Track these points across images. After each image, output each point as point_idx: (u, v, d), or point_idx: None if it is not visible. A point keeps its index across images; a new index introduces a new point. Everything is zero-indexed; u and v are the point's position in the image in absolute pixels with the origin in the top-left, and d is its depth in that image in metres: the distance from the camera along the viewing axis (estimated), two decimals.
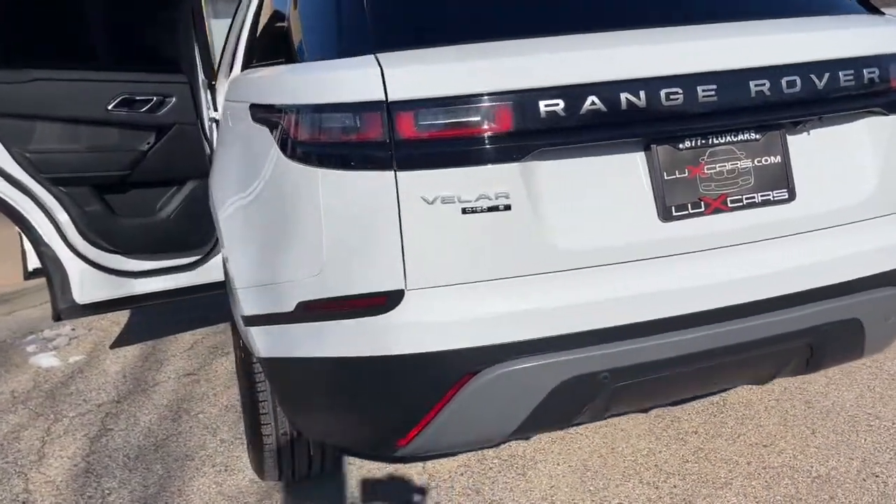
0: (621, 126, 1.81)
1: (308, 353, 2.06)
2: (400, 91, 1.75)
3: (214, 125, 3.56)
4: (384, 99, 1.76)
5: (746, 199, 1.92)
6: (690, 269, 1.88)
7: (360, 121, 1.79)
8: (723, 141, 1.91)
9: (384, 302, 1.86)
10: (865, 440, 2.87)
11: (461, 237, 1.79)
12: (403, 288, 1.83)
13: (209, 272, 3.79)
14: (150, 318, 4.52)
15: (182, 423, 3.31)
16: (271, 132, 2.04)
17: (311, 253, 1.94)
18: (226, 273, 2.54)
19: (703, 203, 1.90)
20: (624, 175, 1.87)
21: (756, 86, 1.85)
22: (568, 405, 1.93)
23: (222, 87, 3.43)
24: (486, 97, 1.75)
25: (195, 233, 3.64)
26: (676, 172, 1.88)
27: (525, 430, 1.96)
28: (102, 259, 3.50)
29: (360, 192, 1.81)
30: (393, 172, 1.77)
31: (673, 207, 1.88)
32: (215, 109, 3.61)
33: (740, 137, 1.92)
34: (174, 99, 3.46)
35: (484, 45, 1.85)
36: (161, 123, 3.46)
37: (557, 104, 1.76)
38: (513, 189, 1.77)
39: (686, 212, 1.89)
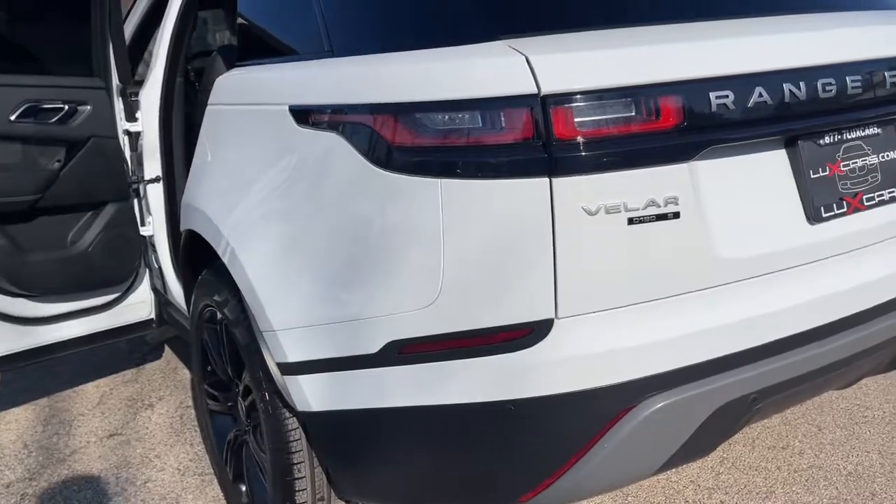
0: (779, 120, 1.63)
1: (399, 403, 1.71)
2: (554, 82, 1.47)
3: (127, 139, 3.04)
4: (536, 92, 1.46)
5: (878, 196, 1.82)
6: (837, 274, 1.75)
7: (504, 119, 1.48)
8: (854, 136, 1.79)
9: (527, 334, 1.56)
10: (870, 432, 2.90)
11: (625, 251, 1.53)
12: (553, 316, 1.54)
13: (130, 312, 3.23)
14: (26, 372, 3.80)
15: (130, 496, 2.75)
16: (348, 139, 1.67)
17: (419, 281, 1.60)
18: (198, 314, 2.11)
19: (844, 202, 1.77)
20: (772, 174, 1.70)
21: (891, 77, 1.75)
22: (716, 433, 1.72)
23: (150, 92, 2.93)
24: (653, 88, 1.50)
25: (117, 266, 3.07)
26: (819, 170, 1.74)
27: (669, 466, 1.73)
28: (2, 305, 2.86)
29: (501, 205, 1.50)
30: (548, 179, 1.48)
31: (822, 208, 1.73)
32: (130, 120, 3.08)
33: (867, 132, 1.81)
34: (89, 107, 2.89)
35: (626, 31, 1.61)
36: (74, 137, 2.87)
37: (727, 96, 1.55)
38: (682, 193, 1.54)
39: (833, 212, 1.75)
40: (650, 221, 1.52)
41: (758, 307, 1.65)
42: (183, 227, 2.37)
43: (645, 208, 1.51)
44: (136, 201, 3.14)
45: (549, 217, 1.48)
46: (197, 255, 2.56)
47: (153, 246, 3.37)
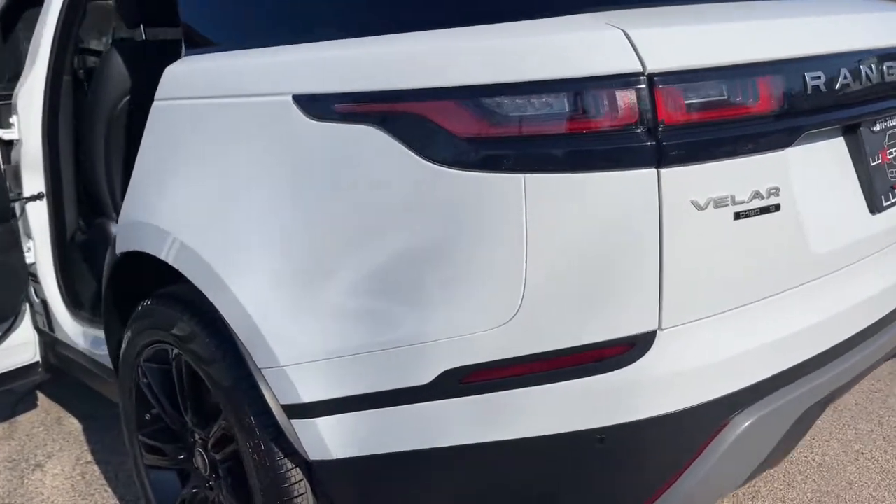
0: (852, 104, 1.54)
1: (455, 442, 1.46)
2: (659, 60, 1.28)
3: None
4: (641, 70, 1.27)
5: None
6: (893, 264, 1.68)
7: (602, 103, 1.28)
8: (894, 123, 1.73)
9: (626, 351, 1.35)
10: (821, 422, 2.94)
11: (730, 249, 1.37)
12: (656, 328, 1.35)
13: (10, 355, 2.73)
14: None
15: None
16: (390, 132, 1.40)
17: (493, 295, 1.36)
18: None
19: (894, 191, 1.71)
20: (837, 163, 1.60)
21: None
22: (792, 440, 1.60)
23: (29, 93, 2.48)
24: (757, 67, 1.35)
25: None
26: (874, 158, 1.66)
27: (753, 476, 1.59)
28: None
29: (599, 201, 1.30)
30: (654, 170, 1.28)
31: (883, 197, 1.66)
32: (3, 126, 2.61)
33: None
34: None
35: (709, 7, 1.45)
36: None
37: (819, 77, 1.43)
38: (781, 184, 1.40)
39: (890, 201, 1.68)
40: (755, 215, 1.37)
41: (839, 303, 1.55)
42: (123, 248, 1.96)
43: (750, 200, 1.36)
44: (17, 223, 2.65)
45: (655, 213, 1.29)
46: (128, 284, 2.16)
47: (33, 276, 2.86)
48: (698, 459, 1.44)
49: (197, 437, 2.00)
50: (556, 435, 1.41)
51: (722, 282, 1.38)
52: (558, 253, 1.32)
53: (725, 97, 1.33)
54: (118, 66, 2.78)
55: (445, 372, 1.43)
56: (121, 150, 2.88)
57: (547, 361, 1.37)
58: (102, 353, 2.59)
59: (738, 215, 1.35)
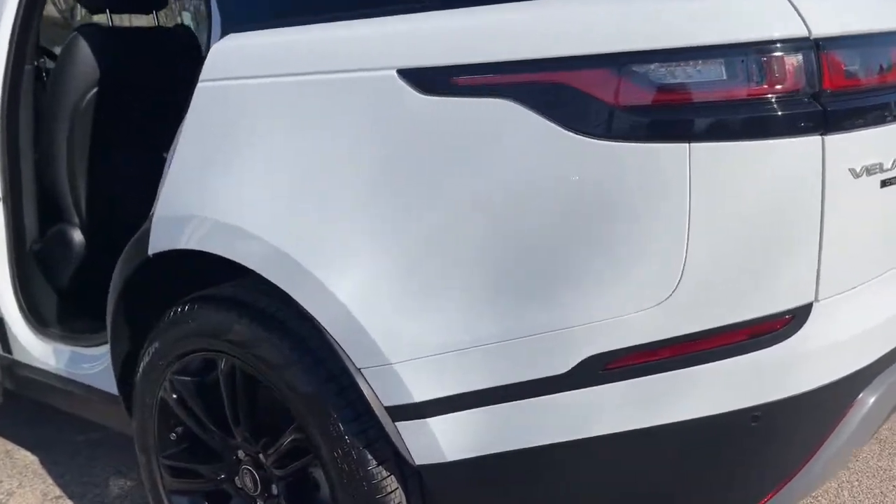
0: None
1: (596, 432, 1.39)
2: (824, 24, 1.26)
3: None
4: (807, 35, 1.24)
5: None
6: None
7: (767, 68, 1.24)
8: None
9: (785, 325, 1.32)
10: None
11: (878, 216, 1.37)
12: (813, 300, 1.32)
13: None
14: None
15: None
16: (529, 104, 1.32)
17: (647, 274, 1.31)
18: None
19: None
20: None
21: None
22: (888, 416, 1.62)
23: None
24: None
25: None
26: None
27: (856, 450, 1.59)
28: None
29: (764, 170, 1.26)
30: (820, 137, 1.26)
31: None
32: None
33: None
34: None
35: None
36: None
37: None
38: None
39: None
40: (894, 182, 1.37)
41: None
42: (161, 248, 1.75)
43: (892, 167, 1.36)
44: None
45: (819, 181, 1.27)
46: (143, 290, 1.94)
47: None
48: (832, 436, 1.43)
49: (245, 453, 1.81)
50: (706, 417, 1.35)
51: (866, 251, 1.38)
52: (721, 225, 1.28)
53: (886, 63, 1.33)
54: (83, 56, 2.52)
55: (587, 359, 1.35)
56: (86, 148, 2.61)
57: (702, 341, 1.32)
58: (85, 372, 2.34)
59: (884, 183, 1.35)
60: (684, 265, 1.28)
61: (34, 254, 2.64)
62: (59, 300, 2.64)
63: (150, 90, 2.68)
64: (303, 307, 1.53)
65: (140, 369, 1.93)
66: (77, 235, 2.66)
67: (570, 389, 1.37)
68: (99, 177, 2.65)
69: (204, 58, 1.72)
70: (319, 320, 1.51)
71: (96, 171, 2.64)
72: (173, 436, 1.96)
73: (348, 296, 1.47)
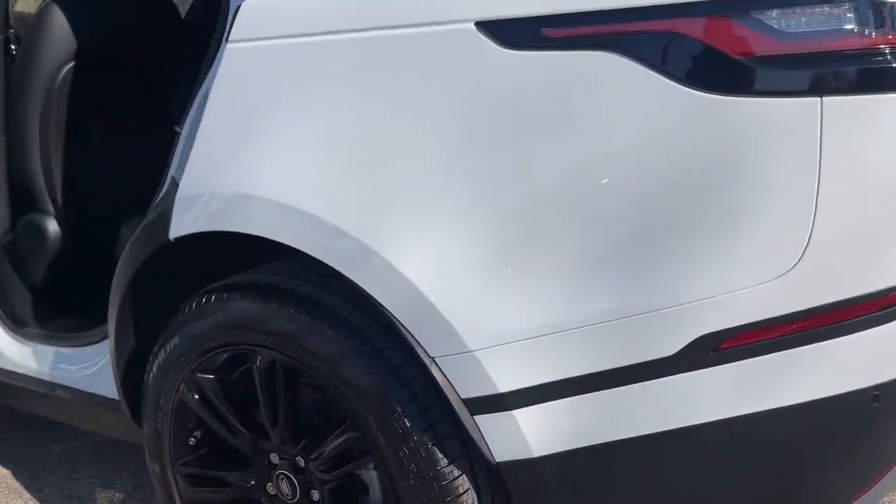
0: None
1: (702, 419, 1.28)
2: None
3: None
4: None
5: None
6: None
7: None
8: None
9: None
10: None
11: None
12: None
13: None
14: None
15: None
16: (634, 56, 1.19)
17: (767, 244, 1.20)
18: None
19: None
20: None
21: None
22: None
23: None
24: None
25: None
26: None
27: None
28: None
29: None
30: None
31: None
32: None
33: None
34: None
35: None
36: None
37: None
38: None
39: None
40: None
41: None
42: (187, 230, 1.56)
43: None
44: None
45: None
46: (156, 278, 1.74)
47: None
48: None
49: (280, 457, 1.64)
50: (823, 399, 1.25)
51: None
52: (852, 187, 1.18)
53: None
54: (57, 26, 2.28)
55: (699, 339, 1.23)
56: (62, 129, 2.38)
57: (826, 316, 1.22)
58: (74, 375, 2.11)
59: None
60: (811, 233, 1.17)
61: (4, 247, 2.39)
62: (36, 297, 2.40)
63: (133, 63, 2.46)
64: (365, 291, 1.36)
65: (153, 369, 1.73)
66: (52, 226, 2.42)
67: (678, 373, 1.25)
68: (76, 161, 2.42)
69: (223, 16, 1.53)
70: (386, 305, 1.35)
71: (73, 155, 2.40)
72: (192, 441, 1.76)
73: (421, 277, 1.32)
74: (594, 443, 1.31)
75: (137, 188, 2.52)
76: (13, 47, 2.36)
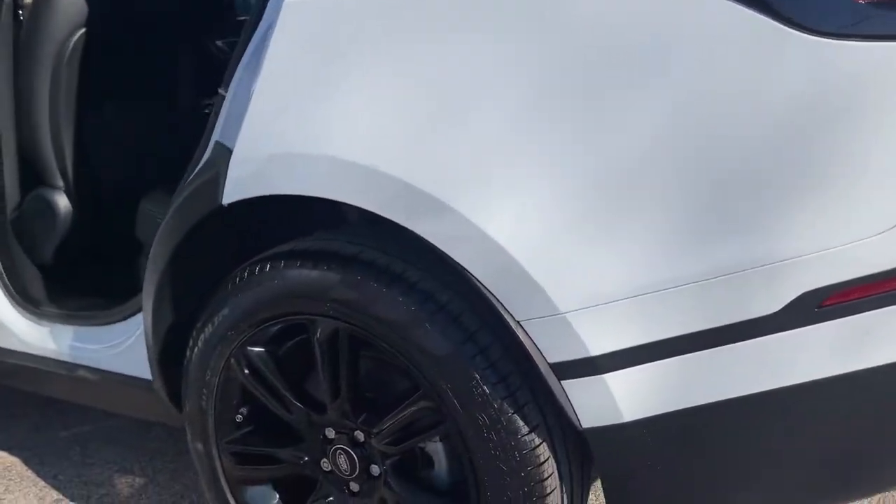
0: None
1: (803, 378, 1.24)
2: None
3: None
4: None
5: None
6: None
7: None
8: None
9: None
10: None
11: None
12: None
13: None
14: None
15: None
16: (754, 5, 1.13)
17: (878, 196, 1.15)
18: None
19: None
20: None
21: None
22: None
23: None
24: None
25: None
26: None
27: None
28: None
29: None
30: None
31: None
32: None
33: None
34: None
35: None
36: None
37: None
38: None
39: None
40: None
41: None
42: (245, 194, 1.48)
43: None
44: None
45: None
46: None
47: None
48: None
49: (337, 431, 1.57)
50: None
51: None
52: None
53: None
54: None
55: (803, 295, 1.19)
56: (72, 99, 2.26)
57: None
58: (99, 355, 2.02)
59: None
60: None
61: (12, 223, 2.28)
62: (47, 275, 2.30)
63: (148, 28, 2.35)
64: (445, 254, 1.30)
65: (198, 344, 1.65)
66: (62, 201, 2.31)
67: (779, 331, 1.21)
68: (86, 133, 2.31)
69: None
70: (467, 267, 1.29)
71: (83, 127, 2.29)
72: (239, 417, 1.69)
73: (505, 234, 1.26)
74: (689, 405, 1.26)
75: (152, 160, 2.43)
76: (20, 12, 2.24)
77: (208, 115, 1.65)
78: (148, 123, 2.42)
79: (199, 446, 1.73)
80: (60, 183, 2.30)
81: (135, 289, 1.91)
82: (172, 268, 1.68)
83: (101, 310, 2.06)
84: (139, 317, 1.88)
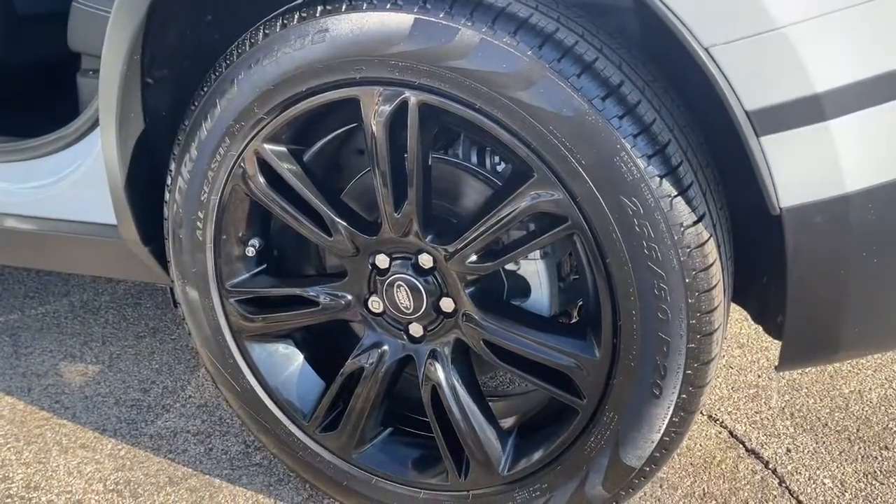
0: None
1: None
2: None
3: None
4: None
5: None
6: None
7: None
8: None
9: None
10: None
11: None
12: None
13: None
14: None
15: None
16: None
17: None
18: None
19: None
20: None
21: None
22: None
23: None
24: None
25: None
26: None
27: None
28: None
29: None
30: None
31: None
32: None
33: None
34: None
35: None
36: None
37: None
38: None
39: None
40: None
41: None
42: None
43: None
44: None
45: None
46: None
47: None
48: None
49: (395, 257, 1.15)
50: None
51: None
52: None
53: None
54: None
55: None
56: None
57: None
58: (25, 199, 1.52)
59: None
60: None
61: None
62: None
63: None
64: None
65: (189, 151, 1.18)
66: None
67: None
68: None
69: None
70: None
71: None
72: (249, 251, 1.24)
73: None
74: None
75: None
76: None
77: None
78: None
79: (193, 293, 1.27)
80: None
81: (71, 113, 1.43)
82: (138, 61, 1.19)
83: (28, 140, 1.55)
84: (85, 143, 1.40)
